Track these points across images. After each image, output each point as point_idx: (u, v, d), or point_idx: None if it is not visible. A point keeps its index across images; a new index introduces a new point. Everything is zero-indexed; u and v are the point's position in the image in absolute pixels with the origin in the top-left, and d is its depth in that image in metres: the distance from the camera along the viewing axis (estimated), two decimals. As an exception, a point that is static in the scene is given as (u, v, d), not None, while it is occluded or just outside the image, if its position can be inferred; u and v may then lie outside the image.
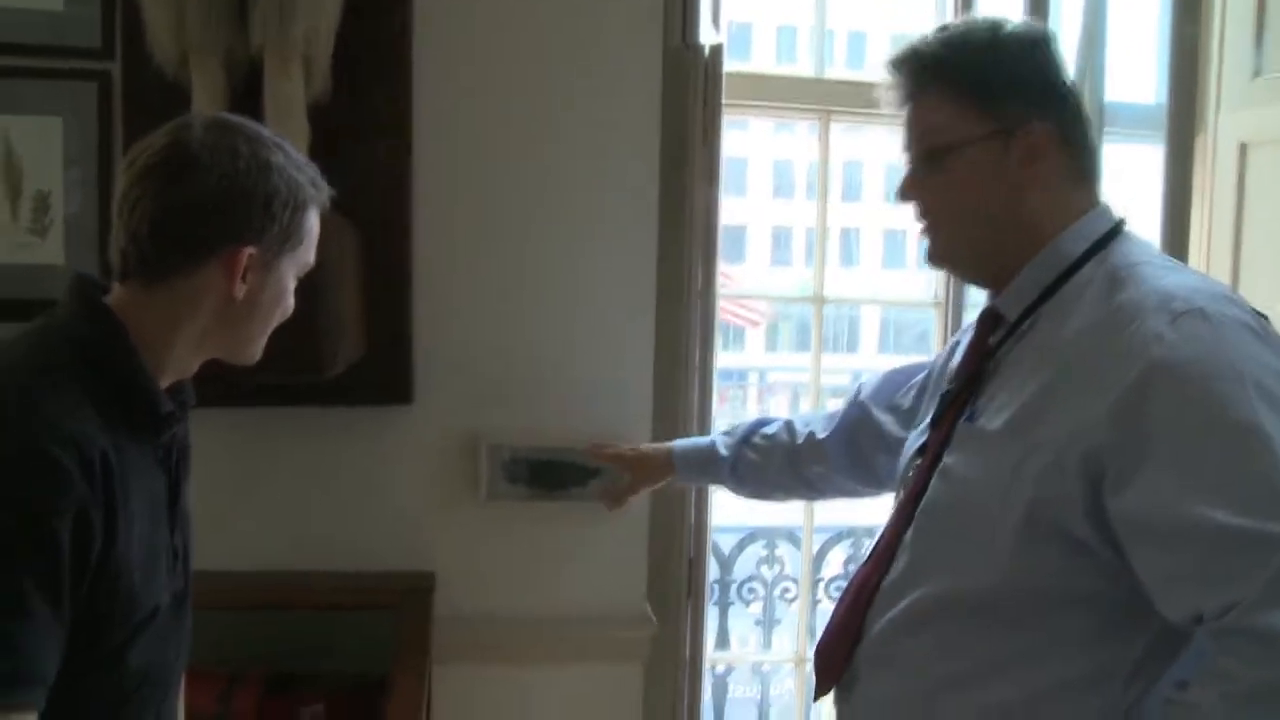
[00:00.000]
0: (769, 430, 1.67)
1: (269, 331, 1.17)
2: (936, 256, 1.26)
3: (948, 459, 1.19)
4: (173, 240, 1.06)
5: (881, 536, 1.26)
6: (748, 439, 1.67)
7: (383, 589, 1.88)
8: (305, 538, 1.93)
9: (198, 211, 1.05)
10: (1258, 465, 0.95)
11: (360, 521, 1.94)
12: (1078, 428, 1.05)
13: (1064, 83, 1.21)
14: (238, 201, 1.06)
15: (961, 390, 1.23)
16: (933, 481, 1.20)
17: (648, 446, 1.81)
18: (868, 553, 1.28)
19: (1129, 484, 1.00)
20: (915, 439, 1.32)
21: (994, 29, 1.21)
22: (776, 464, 1.64)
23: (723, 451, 1.67)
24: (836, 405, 1.67)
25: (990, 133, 1.16)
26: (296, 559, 1.91)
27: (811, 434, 1.60)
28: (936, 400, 1.30)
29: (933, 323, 2.45)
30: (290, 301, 1.16)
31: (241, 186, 1.06)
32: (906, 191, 1.24)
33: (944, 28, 1.23)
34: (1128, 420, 1.01)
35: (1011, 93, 1.17)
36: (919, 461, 1.25)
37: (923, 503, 1.20)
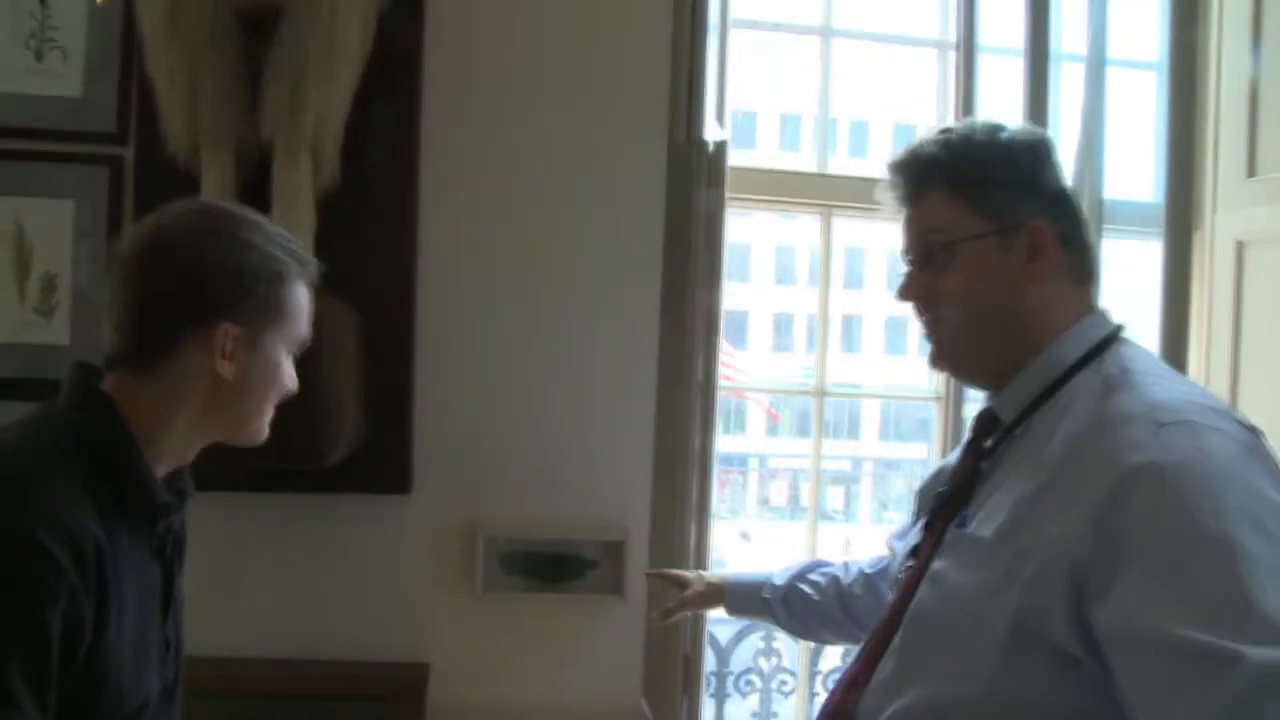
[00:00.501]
0: (826, 569, 1.66)
1: (269, 409, 1.16)
2: (939, 357, 1.27)
3: (937, 564, 1.18)
4: (148, 326, 1.08)
5: (872, 635, 1.25)
6: (803, 574, 1.66)
7: (376, 679, 1.85)
8: (298, 626, 1.91)
9: (170, 292, 1.07)
10: (1225, 579, 0.94)
11: (354, 611, 1.93)
12: (1062, 539, 1.04)
13: (1062, 186, 1.23)
14: (207, 277, 1.08)
15: (955, 494, 1.23)
16: (921, 586, 1.19)
17: (706, 574, 1.81)
18: (859, 649, 1.28)
19: (1107, 595, 1.00)
20: (910, 539, 1.32)
21: (993, 132, 1.24)
22: (829, 601, 1.62)
23: (776, 582, 1.66)
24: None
25: (991, 230, 1.18)
26: (289, 647, 1.89)
27: (862, 571, 1.59)
28: (933, 499, 1.30)
29: (933, 412, 2.46)
30: (289, 378, 1.17)
31: (211, 263, 1.08)
32: (906, 291, 1.26)
33: (946, 129, 1.26)
34: (1104, 530, 1.01)
35: (1011, 194, 1.20)
36: (910, 564, 1.24)
37: (911, 607, 1.19)
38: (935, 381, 2.41)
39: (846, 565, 1.63)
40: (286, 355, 1.16)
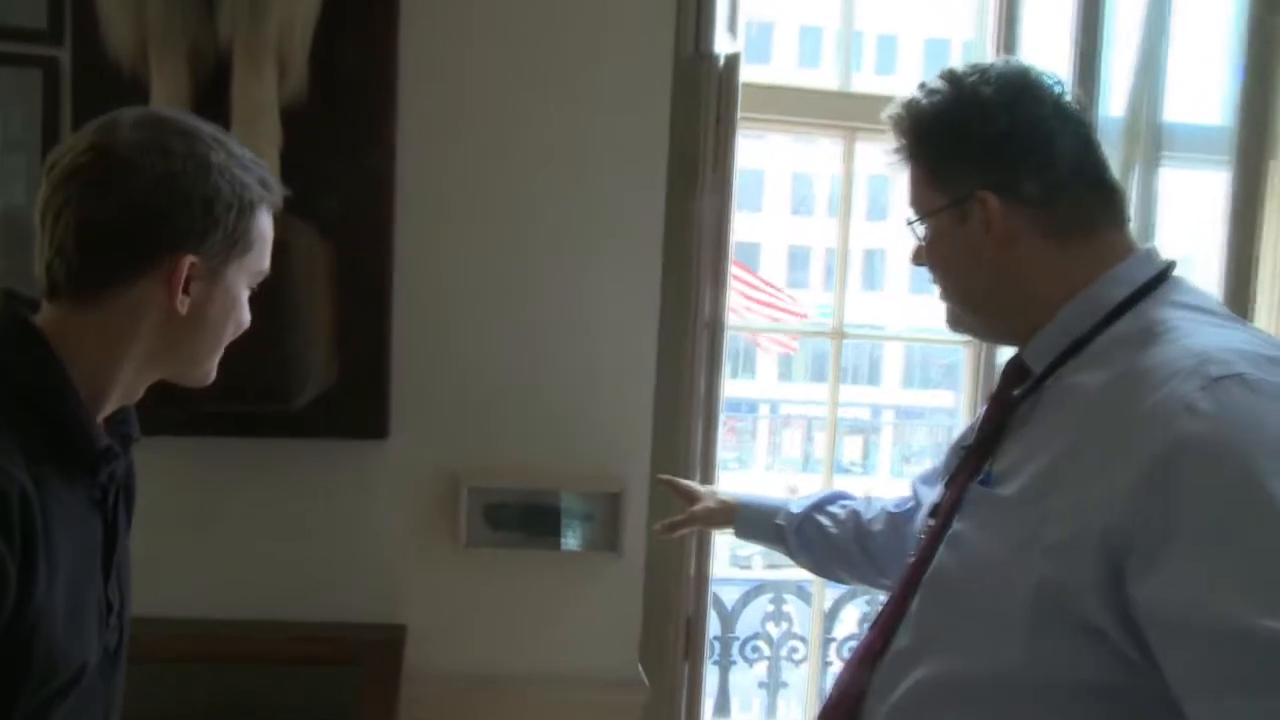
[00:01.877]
0: (847, 501, 1.66)
1: (221, 348, 1.14)
2: (953, 322, 1.29)
3: (957, 524, 1.17)
4: (102, 252, 1.03)
5: (889, 601, 1.25)
6: (822, 505, 1.66)
7: (347, 642, 1.85)
8: (260, 584, 1.90)
9: (128, 219, 1.02)
10: None
11: (323, 567, 1.92)
12: (1096, 504, 1.01)
13: (1045, 139, 1.18)
14: (174, 205, 1.03)
15: (978, 448, 1.21)
16: (940, 548, 1.18)
17: (720, 491, 1.80)
18: (876, 616, 1.28)
19: (1154, 571, 0.97)
20: (933, 497, 1.30)
21: (957, 85, 1.20)
22: (846, 536, 1.61)
23: (793, 510, 1.66)
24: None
25: (945, 205, 1.20)
26: (250, 607, 1.89)
27: (885, 509, 1.58)
28: (956, 453, 1.29)
29: (962, 357, 2.43)
30: (245, 314, 1.14)
31: (177, 189, 1.03)
32: (913, 258, 1.30)
33: (922, 84, 1.24)
34: (1154, 498, 0.97)
35: (961, 163, 1.19)
36: (931, 523, 1.24)
37: (929, 571, 1.18)
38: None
39: (869, 500, 1.62)
40: (245, 290, 1.13)
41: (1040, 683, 1.06)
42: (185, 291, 1.05)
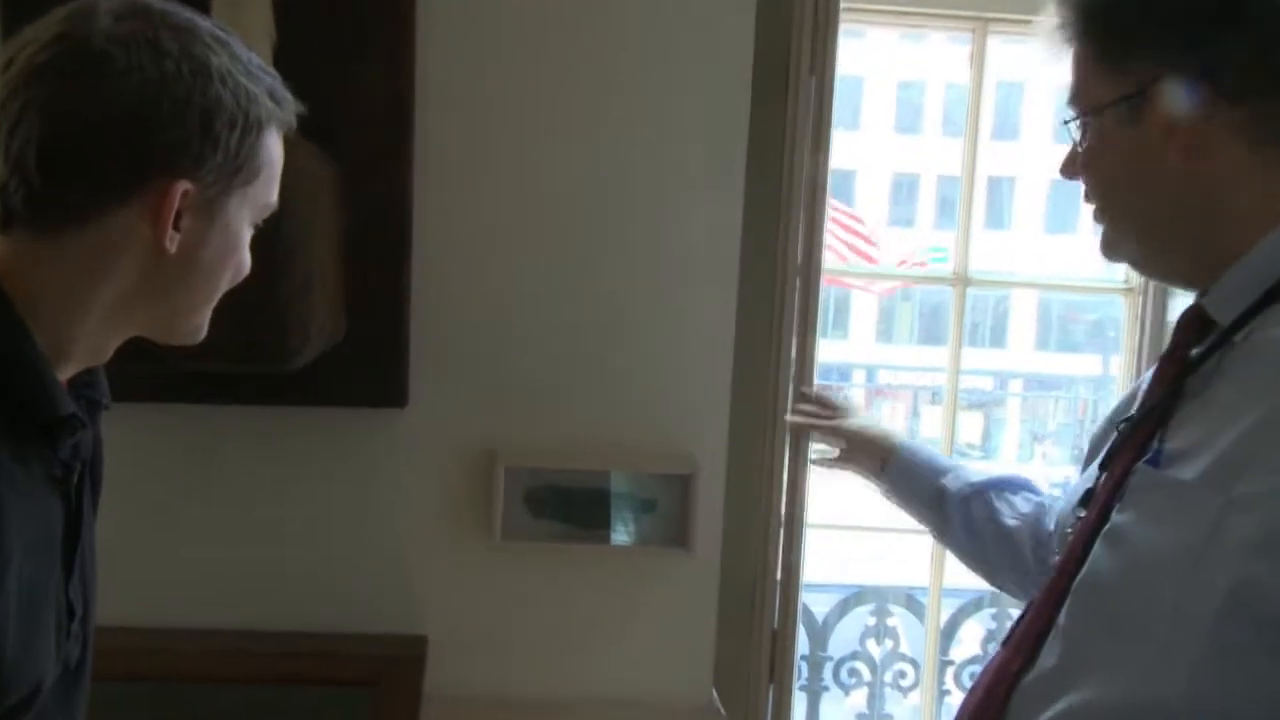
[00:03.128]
0: (1034, 495, 1.65)
1: (216, 298, 1.14)
2: (1108, 247, 1.27)
3: (1118, 516, 1.17)
4: (73, 172, 1.01)
5: (1027, 612, 1.26)
6: (1002, 487, 1.66)
7: (356, 658, 1.87)
8: (252, 587, 1.93)
9: (106, 132, 1.00)
10: None
11: (328, 565, 1.94)
12: None
13: (1263, 13, 1.13)
14: (165, 118, 1.01)
15: (1145, 420, 1.20)
16: (1096, 546, 1.18)
17: (873, 424, 1.84)
18: (1011, 627, 1.28)
19: None
20: (1081, 483, 1.30)
21: None
22: (1023, 533, 1.61)
23: (968, 476, 1.66)
24: None
25: (1118, 97, 1.18)
26: (239, 616, 1.92)
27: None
28: (1116, 428, 1.28)
29: (1122, 311, 2.38)
30: (245, 258, 1.14)
31: (170, 96, 1.01)
32: (1064, 168, 1.28)
33: None
34: None
35: (1144, 42, 1.15)
36: (1082, 515, 1.24)
37: (1081, 574, 1.18)
38: (1120, 267, 2.32)
39: (1055, 501, 1.61)
40: (248, 227, 1.13)
41: (1224, 716, 1.05)
42: (175, 226, 1.05)
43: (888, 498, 1.81)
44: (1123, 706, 1.11)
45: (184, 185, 1.04)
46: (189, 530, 1.92)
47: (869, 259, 9.47)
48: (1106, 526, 1.17)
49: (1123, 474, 1.18)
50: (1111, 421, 1.33)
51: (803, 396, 1.90)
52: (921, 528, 1.81)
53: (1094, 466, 1.29)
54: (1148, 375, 1.31)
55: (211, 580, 1.92)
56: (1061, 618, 1.18)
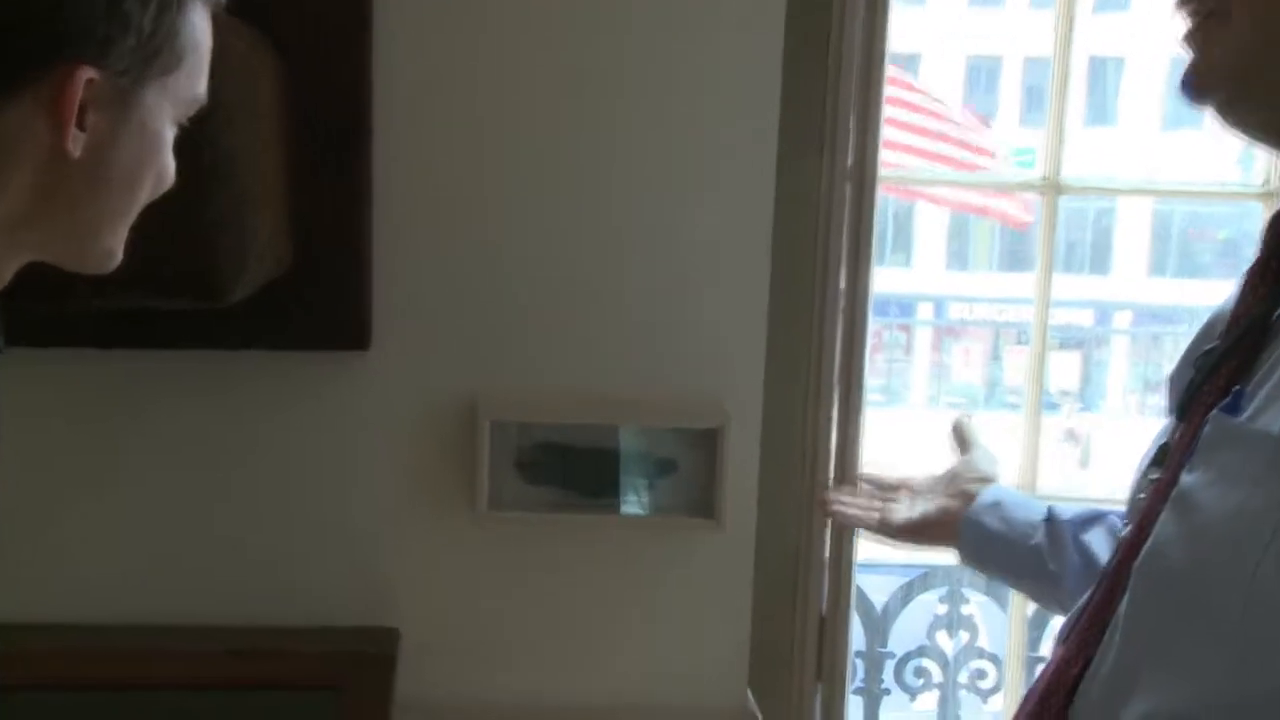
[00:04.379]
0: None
1: (133, 213, 1.14)
2: (1204, 75, 1.19)
3: (1187, 477, 1.14)
4: None
5: (1091, 600, 1.25)
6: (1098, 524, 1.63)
7: (318, 657, 1.89)
8: (192, 573, 1.95)
9: None
10: None
11: (282, 546, 1.96)
12: None
13: None
14: None
15: (1231, 354, 1.18)
16: (1162, 515, 1.16)
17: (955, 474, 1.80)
18: (1067, 624, 1.29)
19: None
20: (1157, 437, 1.29)
21: None
22: None
23: (1063, 515, 1.64)
24: None
25: None
26: (177, 607, 1.93)
27: None
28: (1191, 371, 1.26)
29: (1255, 219, 2.36)
30: (167, 164, 1.14)
31: None
32: None
33: None
34: None
35: None
36: (1155, 477, 1.23)
37: (1144, 551, 1.17)
38: (1259, 167, 2.31)
39: None
40: (170, 127, 1.14)
41: None
42: (79, 125, 1.05)
43: (969, 563, 1.78)
44: (1196, 708, 1.10)
45: (87, 73, 1.03)
46: (105, 504, 1.94)
47: (967, 165, 9.13)
48: (1174, 490, 1.15)
49: (1200, 424, 1.15)
50: (1190, 356, 1.30)
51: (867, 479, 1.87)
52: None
53: (1172, 418, 1.27)
54: (1233, 293, 1.26)
55: (136, 566, 1.94)
56: (1123, 605, 1.17)
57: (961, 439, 1.79)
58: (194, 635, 1.91)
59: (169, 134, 1.13)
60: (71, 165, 1.06)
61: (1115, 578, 1.20)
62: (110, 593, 1.93)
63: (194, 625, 1.92)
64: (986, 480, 1.74)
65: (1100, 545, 1.59)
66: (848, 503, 1.79)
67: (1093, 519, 1.62)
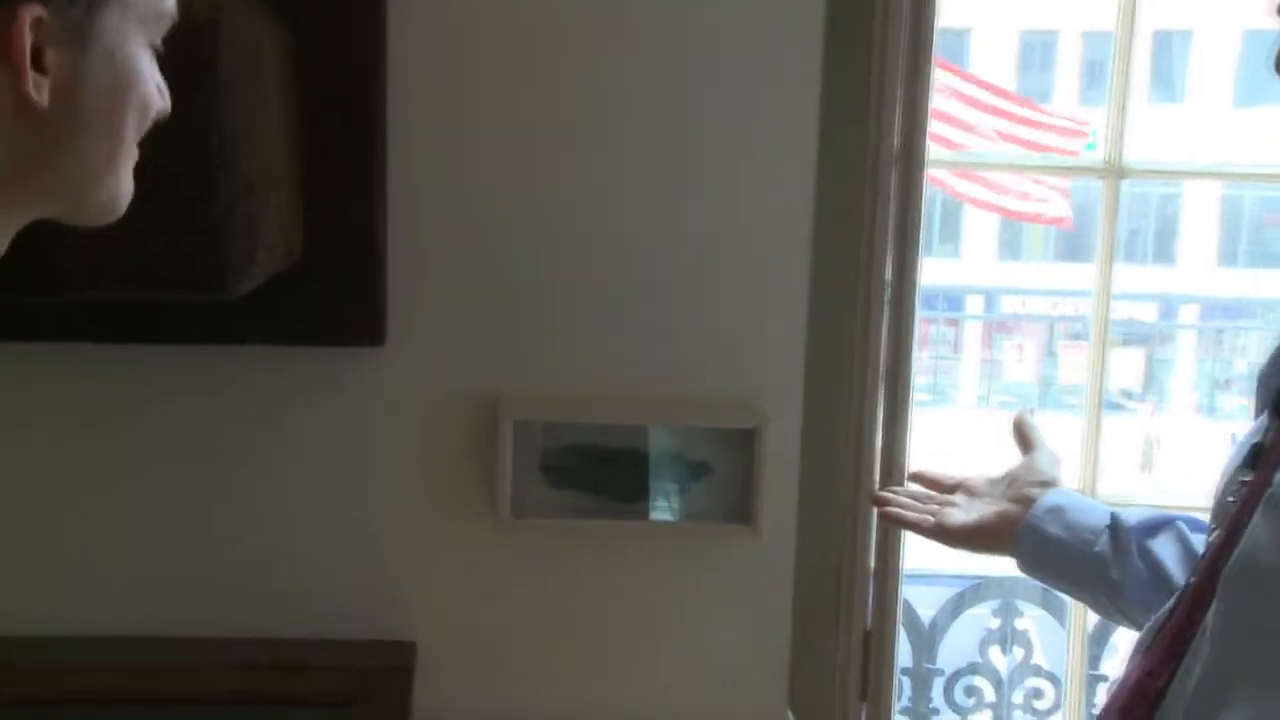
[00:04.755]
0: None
1: (129, 148, 1.10)
2: None
3: None
4: None
5: (1175, 608, 1.26)
6: (1197, 525, 1.60)
7: (331, 671, 1.89)
8: (196, 581, 1.96)
9: None
10: None
11: (293, 554, 1.97)
12: None
13: None
14: None
15: None
16: (1255, 517, 1.17)
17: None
18: (1147, 633, 1.30)
19: None
20: (1248, 437, 1.29)
21: None
22: None
23: (1128, 521, 1.62)
24: None
25: None
26: (183, 619, 1.94)
27: None
28: None
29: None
30: (150, 90, 1.10)
31: None
32: None
33: None
34: None
35: None
36: (1246, 479, 1.24)
37: (1234, 556, 1.17)
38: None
39: None
40: (144, 49, 1.12)
41: None
42: (38, 68, 1.02)
43: (1028, 571, 1.77)
44: None
45: (33, 12, 1.00)
46: (101, 508, 1.94)
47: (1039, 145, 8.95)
48: (1269, 492, 1.16)
49: None
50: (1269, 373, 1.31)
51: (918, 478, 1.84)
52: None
53: (1264, 416, 1.28)
54: None
55: (133, 574, 1.94)
56: (1210, 614, 1.18)
57: (1023, 438, 1.77)
58: (196, 649, 1.92)
59: (143, 58, 1.10)
60: (42, 113, 1.03)
61: (1202, 585, 1.20)
62: (106, 602, 1.93)
63: (195, 638, 1.93)
64: (1048, 483, 1.72)
65: (1167, 553, 1.59)
66: (901, 502, 1.78)
67: (1159, 525, 1.61)
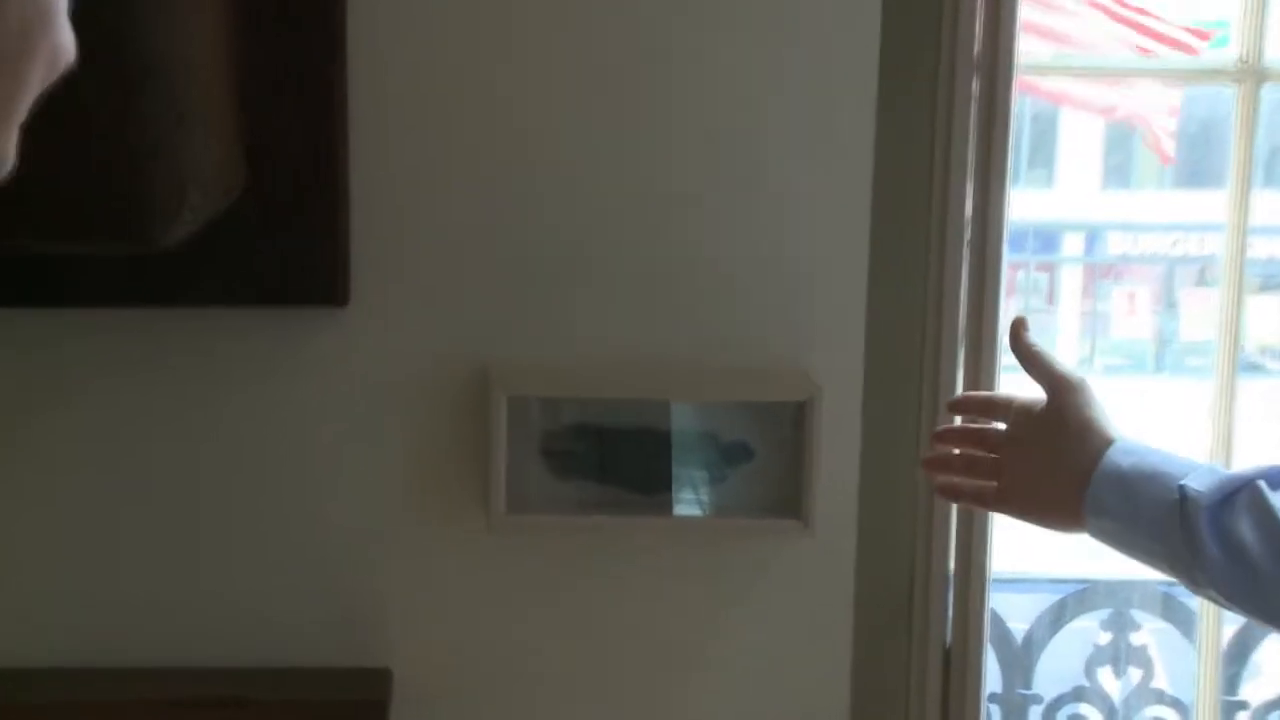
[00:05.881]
0: None
1: (21, 108, 1.14)
2: None
3: None
4: None
5: None
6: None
7: (295, 705, 1.91)
8: (123, 598, 1.96)
9: None
10: None
11: (243, 565, 1.97)
12: None
13: None
14: None
15: None
16: None
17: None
18: None
19: None
20: None
21: None
22: None
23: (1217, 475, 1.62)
24: None
25: None
26: (126, 647, 1.95)
27: None
28: None
29: None
30: (56, 34, 1.13)
31: None
32: None
33: None
34: None
35: None
36: None
37: None
38: None
39: None
40: None
41: None
42: None
43: (1101, 537, 1.78)
44: None
45: None
46: (25, 514, 1.95)
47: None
48: None
49: None
50: None
51: (956, 405, 1.83)
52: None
53: None
54: None
55: (69, 595, 1.95)
56: None
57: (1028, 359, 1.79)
58: (144, 681, 1.93)
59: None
60: None
61: None
62: (47, 631, 1.95)
63: (131, 668, 1.94)
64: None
65: (1245, 528, 1.60)
66: (953, 462, 1.77)
67: (1234, 490, 1.61)
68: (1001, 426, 1.71)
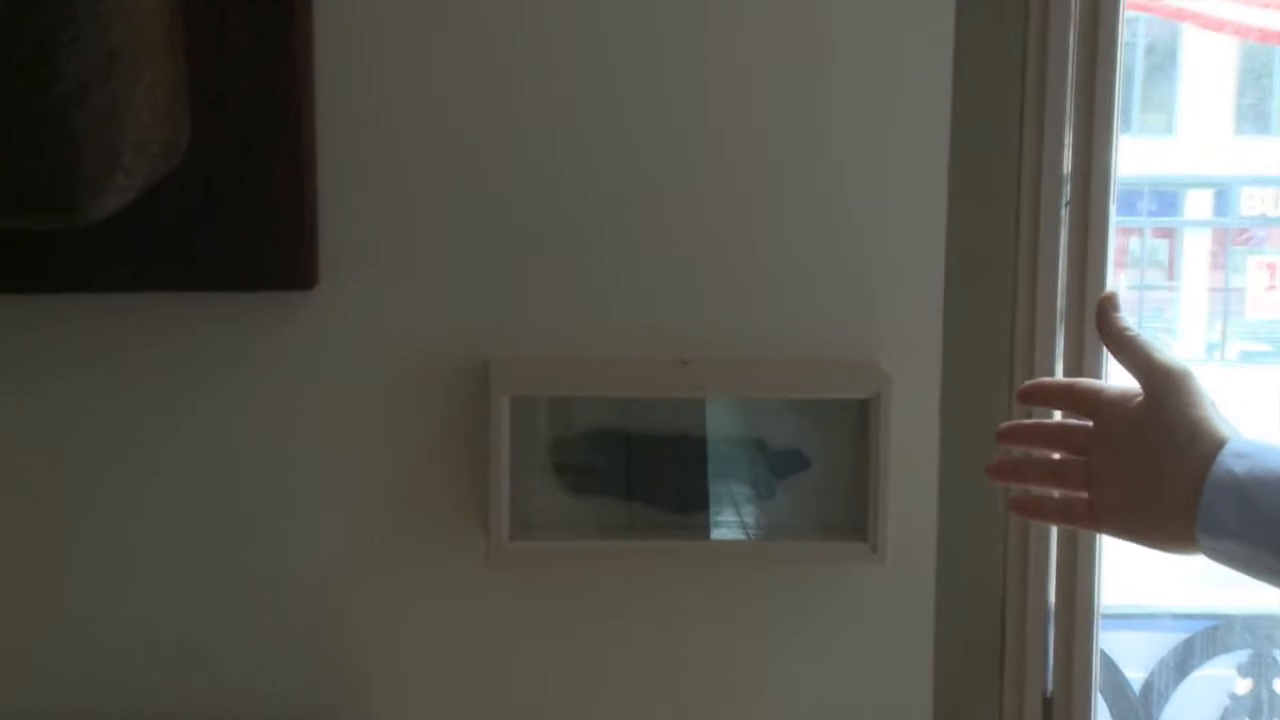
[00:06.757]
0: None
1: None
2: None
3: None
4: None
5: None
6: None
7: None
8: (55, 646, 1.96)
9: None
10: None
11: (196, 602, 1.97)
12: None
13: None
14: None
15: None
16: None
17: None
18: None
19: None
20: None
21: None
22: None
23: None
24: None
25: None
26: (64, 698, 1.95)
27: None
28: None
29: None
30: None
31: None
32: None
33: None
34: None
35: None
36: None
37: None
38: None
39: None
40: None
41: None
42: None
43: (1221, 559, 1.76)
44: None
45: None
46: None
47: None
48: None
49: None
50: None
51: (1030, 394, 1.81)
52: None
53: None
54: None
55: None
56: None
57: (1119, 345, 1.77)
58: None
59: None
60: None
61: None
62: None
63: (92, 710, 1.96)
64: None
65: None
66: (1029, 470, 1.75)
67: None
68: (1086, 423, 1.70)
